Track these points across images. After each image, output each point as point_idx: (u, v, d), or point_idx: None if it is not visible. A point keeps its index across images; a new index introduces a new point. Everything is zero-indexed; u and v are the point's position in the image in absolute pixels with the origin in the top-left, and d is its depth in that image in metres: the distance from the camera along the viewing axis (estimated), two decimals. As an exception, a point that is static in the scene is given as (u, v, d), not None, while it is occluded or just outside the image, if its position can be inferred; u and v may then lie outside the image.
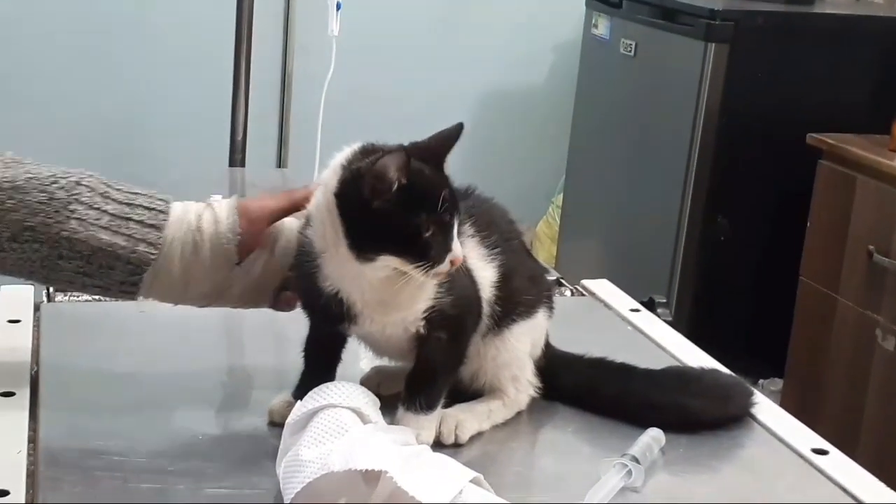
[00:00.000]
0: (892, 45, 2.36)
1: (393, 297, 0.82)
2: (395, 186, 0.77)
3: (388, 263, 0.79)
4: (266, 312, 1.04)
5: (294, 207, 0.95)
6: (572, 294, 1.32)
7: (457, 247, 0.80)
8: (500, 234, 0.92)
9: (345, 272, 0.81)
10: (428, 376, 0.86)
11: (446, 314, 0.84)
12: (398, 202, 0.78)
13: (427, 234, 0.78)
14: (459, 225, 0.85)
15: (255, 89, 2.15)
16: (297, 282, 0.89)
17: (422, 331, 0.84)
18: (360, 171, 0.78)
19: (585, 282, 1.35)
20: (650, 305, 1.27)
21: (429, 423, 0.85)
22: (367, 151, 0.81)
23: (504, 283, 0.90)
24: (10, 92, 2.61)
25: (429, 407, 0.85)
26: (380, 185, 0.77)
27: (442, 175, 0.82)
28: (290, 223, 0.95)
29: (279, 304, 0.95)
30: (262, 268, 0.93)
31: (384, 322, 0.84)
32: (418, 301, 0.83)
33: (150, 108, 2.75)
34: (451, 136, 0.82)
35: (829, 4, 2.62)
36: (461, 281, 0.85)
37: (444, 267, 0.79)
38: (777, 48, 2.26)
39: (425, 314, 0.83)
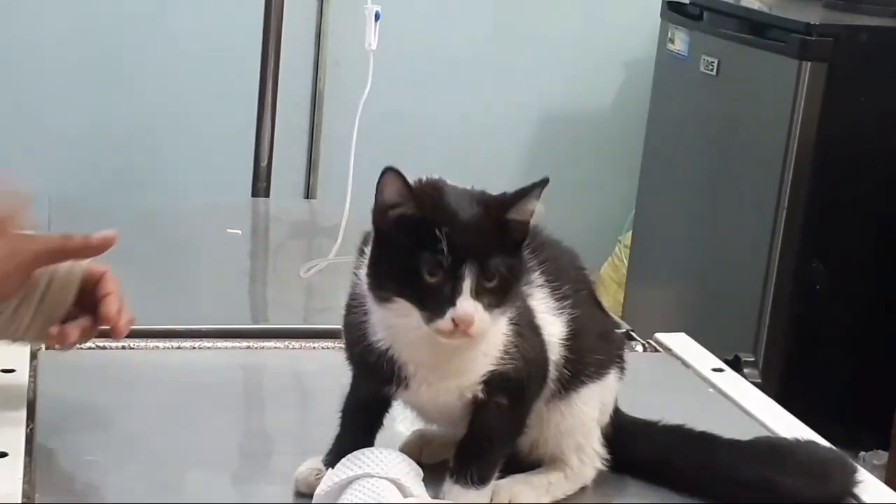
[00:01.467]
0: None
1: (448, 360, 0.83)
2: (397, 212, 0.79)
3: (402, 307, 0.79)
4: (291, 363, 1.14)
5: (65, 254, 0.97)
6: (644, 349, 1.31)
7: (465, 304, 0.78)
8: (571, 283, 0.92)
9: (394, 323, 0.82)
10: (483, 446, 0.86)
11: (509, 378, 0.84)
12: (398, 231, 0.79)
13: (430, 279, 0.78)
14: (529, 279, 0.88)
15: (282, 110, 2.16)
16: (345, 329, 0.90)
17: (480, 395, 0.84)
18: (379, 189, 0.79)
19: (659, 335, 1.35)
20: (735, 364, 1.27)
21: (481, 497, 0.85)
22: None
23: (573, 340, 0.90)
24: (21, 114, 2.65)
25: (481, 481, 0.85)
26: (382, 206, 0.79)
27: (483, 221, 0.81)
28: (65, 266, 0.97)
29: (51, 342, 0.98)
30: (31, 313, 0.96)
31: (439, 388, 0.85)
32: (480, 365, 0.83)
33: (165, 129, 2.75)
34: (531, 189, 0.80)
35: None
36: (529, 341, 0.85)
37: (445, 324, 0.78)
38: (882, 68, 2.23)
39: (485, 377, 0.83)
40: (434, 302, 0.77)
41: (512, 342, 0.84)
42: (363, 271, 0.83)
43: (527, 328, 0.85)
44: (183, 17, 2.70)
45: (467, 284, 0.77)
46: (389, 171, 0.77)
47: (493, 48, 2.84)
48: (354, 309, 0.85)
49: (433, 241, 0.77)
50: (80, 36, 2.69)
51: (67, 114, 2.72)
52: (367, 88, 1.61)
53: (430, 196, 0.80)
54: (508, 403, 0.85)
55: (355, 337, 0.86)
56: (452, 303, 0.76)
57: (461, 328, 0.77)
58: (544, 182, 0.79)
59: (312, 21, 2.60)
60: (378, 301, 0.81)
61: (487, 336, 0.82)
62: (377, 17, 1.47)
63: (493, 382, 0.83)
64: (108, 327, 0.99)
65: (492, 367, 0.83)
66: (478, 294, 0.77)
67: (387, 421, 0.91)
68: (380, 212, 0.80)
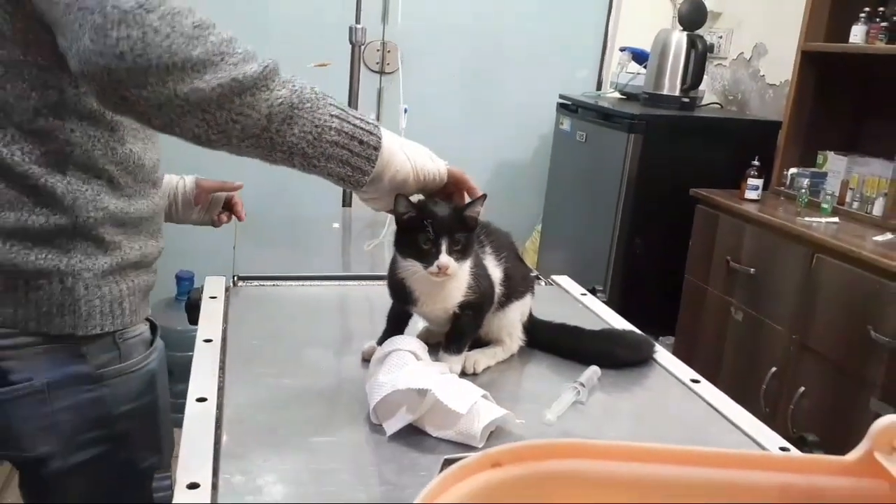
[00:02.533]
0: (741, 134, 3.03)
1: (437, 290, 1.03)
2: (406, 216, 0.98)
3: (412, 262, 0.99)
4: (363, 292, 1.44)
5: (222, 189, 1.51)
6: (546, 285, 1.56)
7: (443, 258, 0.97)
8: (507, 250, 1.14)
9: (409, 270, 1.01)
10: (458, 334, 1.06)
11: (472, 302, 1.04)
12: (407, 223, 0.99)
13: (424, 246, 0.97)
14: (483, 247, 1.10)
15: None
16: (389, 276, 1.08)
17: (457, 311, 1.04)
18: (398, 201, 0.98)
19: (554, 277, 1.60)
20: (593, 292, 1.50)
21: (458, 361, 1.06)
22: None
23: (507, 279, 1.11)
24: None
25: (458, 351, 1.06)
26: (398, 214, 0.99)
27: (448, 211, 0.99)
28: (218, 195, 1.51)
29: (216, 224, 1.54)
30: (203, 209, 1.50)
31: (434, 307, 1.04)
32: (455, 295, 1.03)
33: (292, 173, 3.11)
34: (475, 200, 1.01)
35: (703, 110, 3.28)
36: (483, 282, 1.06)
37: (433, 269, 0.97)
38: (672, 137, 2.90)
39: (459, 304, 1.04)
40: (427, 258, 0.97)
41: (473, 282, 1.04)
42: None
43: (482, 275, 1.06)
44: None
45: (444, 248, 0.97)
46: (399, 196, 0.98)
47: (467, 123, 3.45)
48: (393, 265, 1.06)
49: (424, 227, 0.97)
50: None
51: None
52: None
53: (421, 206, 1.00)
54: (472, 314, 1.06)
55: (392, 280, 1.07)
56: (437, 258, 0.97)
57: (442, 271, 0.98)
58: (484, 196, 1.02)
59: (374, 110, 3.03)
60: (402, 258, 1.01)
61: (458, 276, 1.02)
62: (406, 111, 1.86)
63: (464, 305, 1.04)
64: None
65: (462, 297, 1.03)
66: (450, 253, 0.98)
67: (410, 323, 1.12)
68: (398, 214, 0.99)
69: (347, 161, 0.91)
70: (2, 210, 0.99)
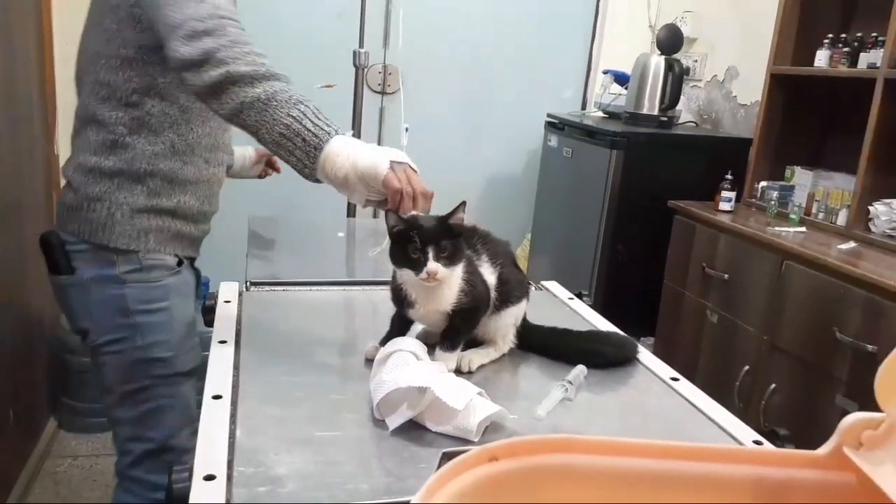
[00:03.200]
0: (715, 150, 3.03)
1: (430, 295, 1.03)
2: (395, 229, 1.00)
3: (405, 271, 1.00)
4: (366, 296, 1.42)
5: (266, 156, 1.80)
6: (536, 289, 1.55)
7: (431, 264, 0.98)
8: (503, 257, 1.14)
9: (406, 279, 1.03)
10: (453, 333, 1.07)
11: (465, 307, 1.05)
12: (397, 236, 1.00)
13: (413, 255, 0.98)
14: (479, 254, 1.09)
15: None
16: (391, 285, 1.10)
17: (451, 313, 1.04)
18: (386, 216, 1.01)
19: (543, 282, 1.61)
20: (580, 296, 1.51)
21: (452, 358, 1.07)
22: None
23: (502, 285, 1.11)
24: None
25: (452, 348, 1.06)
26: (389, 228, 1.00)
27: (433, 222, 1.00)
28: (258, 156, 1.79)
29: (261, 177, 1.85)
30: (255, 169, 1.80)
31: (428, 310, 1.05)
32: (447, 300, 1.04)
33: (298, 186, 3.09)
34: (457, 208, 1.02)
35: (680, 128, 3.26)
36: (478, 286, 1.06)
37: (423, 275, 0.98)
38: (651, 153, 2.90)
39: (453, 307, 1.04)
40: (417, 266, 0.98)
41: (466, 287, 1.04)
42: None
43: (476, 281, 1.06)
44: None
45: (431, 256, 0.98)
46: (389, 212, 1.01)
47: (462, 140, 3.42)
48: (394, 274, 1.08)
49: (412, 238, 0.99)
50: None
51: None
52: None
53: (409, 220, 1.01)
54: (467, 316, 1.06)
55: (393, 286, 1.09)
56: (426, 265, 0.98)
57: (431, 276, 0.99)
58: (463, 203, 1.01)
59: (376, 130, 3.02)
60: (396, 267, 1.03)
61: (449, 282, 1.03)
62: (406, 129, 1.87)
63: (457, 308, 1.04)
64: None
65: (455, 301, 1.04)
66: (437, 259, 0.99)
67: (412, 327, 1.13)
68: (389, 228, 1.01)
69: (292, 152, 1.10)
70: (90, 152, 1.34)
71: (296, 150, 1.10)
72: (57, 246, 1.36)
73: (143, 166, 1.34)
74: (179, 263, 1.43)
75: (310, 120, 1.10)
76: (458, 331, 1.07)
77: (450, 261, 1.00)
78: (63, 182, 1.41)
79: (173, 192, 1.38)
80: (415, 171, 1.09)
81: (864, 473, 0.41)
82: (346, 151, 1.08)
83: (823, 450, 0.44)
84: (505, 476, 0.41)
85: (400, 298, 1.07)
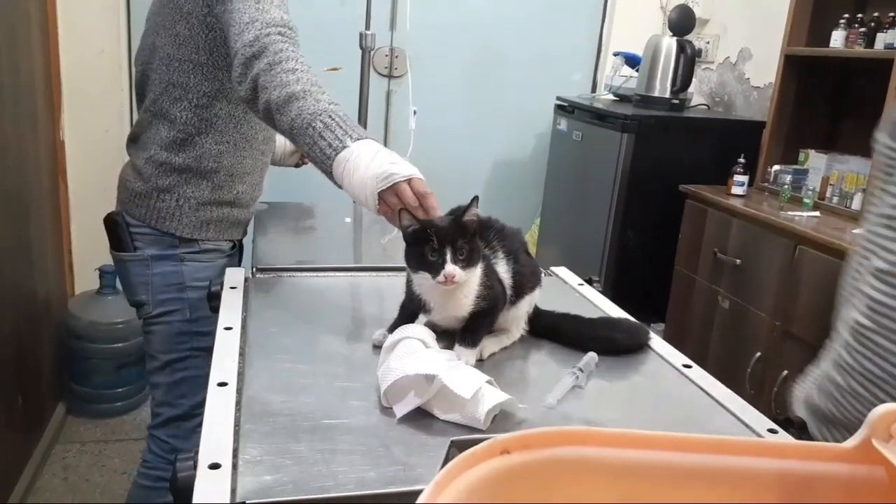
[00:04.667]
0: (727, 134, 2.96)
1: (449, 301, 1.03)
2: (410, 229, 0.98)
3: (422, 274, 0.98)
4: (374, 282, 1.43)
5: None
6: (546, 275, 1.51)
7: (449, 267, 0.96)
8: (517, 249, 1.13)
9: (423, 284, 1.02)
10: (473, 329, 1.06)
11: (484, 309, 1.05)
12: (413, 237, 0.99)
13: (431, 258, 0.97)
14: (495, 251, 1.08)
15: None
16: (406, 281, 1.08)
17: (469, 316, 1.04)
18: (400, 217, 0.99)
19: (553, 268, 1.59)
20: (590, 282, 1.50)
21: (472, 353, 1.05)
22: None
23: (517, 278, 1.10)
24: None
25: (473, 345, 1.05)
26: (403, 228, 0.99)
27: (452, 225, 0.98)
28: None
29: (298, 165, 1.90)
30: (293, 158, 1.85)
31: (445, 315, 1.05)
32: (464, 304, 1.03)
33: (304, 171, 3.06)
34: (470, 204, 1.00)
35: (692, 111, 3.21)
36: (496, 287, 1.05)
37: (440, 279, 0.96)
38: (662, 136, 2.84)
39: (471, 311, 1.03)
40: (434, 269, 0.97)
41: (483, 293, 1.03)
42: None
43: (495, 281, 1.05)
44: None
45: (448, 257, 0.96)
46: (403, 210, 0.99)
47: (471, 123, 3.35)
48: (409, 281, 1.07)
49: (429, 238, 0.97)
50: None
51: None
52: (410, 149, 2.06)
53: (424, 219, 1.01)
54: (485, 316, 1.06)
55: (408, 291, 1.08)
56: (443, 267, 0.96)
57: (449, 280, 0.97)
58: (476, 198, 1.00)
59: (383, 114, 2.96)
60: (412, 271, 1.01)
61: (466, 286, 1.01)
62: (415, 112, 1.86)
63: (474, 313, 1.04)
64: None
65: (472, 306, 1.03)
66: (455, 262, 0.97)
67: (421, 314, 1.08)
68: (404, 230, 1.00)
69: (318, 164, 1.18)
70: (162, 147, 1.45)
71: (318, 164, 1.18)
72: (122, 226, 1.49)
73: (210, 164, 1.47)
74: (232, 247, 1.58)
75: (322, 137, 1.15)
76: (478, 326, 1.07)
77: (468, 262, 0.98)
78: (130, 167, 1.53)
79: (233, 184, 1.51)
80: (408, 180, 1.09)
81: (894, 467, 0.39)
82: (346, 179, 1.13)
83: (851, 442, 0.42)
84: (517, 470, 0.39)
85: (416, 303, 1.05)
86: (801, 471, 0.41)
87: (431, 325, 1.10)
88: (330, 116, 1.16)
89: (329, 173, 1.15)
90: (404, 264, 1.06)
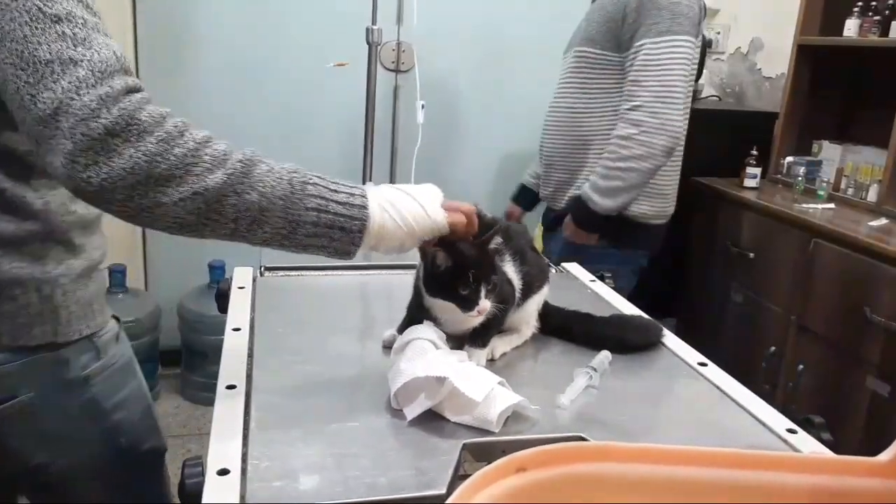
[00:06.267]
0: (739, 125, 2.90)
1: (457, 317, 0.99)
2: (443, 267, 0.95)
3: (442, 301, 0.98)
4: (383, 280, 1.38)
5: None
6: (556, 271, 1.52)
7: (483, 303, 0.96)
8: (524, 249, 1.12)
9: (439, 306, 1.00)
10: (483, 330, 1.04)
11: (493, 317, 1.02)
12: (446, 273, 0.96)
13: (463, 292, 0.95)
14: (502, 254, 1.06)
15: (376, 153, 2.53)
16: (414, 288, 1.05)
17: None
18: (427, 254, 0.95)
19: (564, 264, 1.57)
20: (601, 278, 1.47)
21: (482, 354, 1.04)
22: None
23: (526, 277, 1.09)
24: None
25: (483, 345, 1.04)
26: (435, 266, 0.96)
27: (480, 254, 0.95)
28: None
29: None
30: None
31: (455, 328, 1.03)
32: (477, 320, 1.00)
33: (314, 162, 3.11)
34: (494, 231, 0.97)
35: (703, 103, 3.12)
36: (505, 289, 1.04)
37: (473, 314, 0.96)
38: None
39: (483, 322, 1.01)
40: (467, 303, 0.95)
41: (493, 301, 0.98)
42: (421, 280, 0.99)
43: (504, 282, 1.03)
44: (320, 105, 2.91)
45: (483, 293, 0.96)
46: (438, 251, 0.94)
47: (479, 116, 3.17)
48: (419, 291, 1.02)
49: (466, 276, 0.95)
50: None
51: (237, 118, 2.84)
52: (419, 142, 2.04)
53: (458, 255, 0.96)
54: (495, 319, 1.03)
55: (418, 303, 1.04)
56: (476, 303, 0.95)
57: (481, 314, 0.97)
58: (499, 227, 0.98)
59: (390, 108, 2.89)
60: (431, 296, 0.99)
61: None
62: (423, 106, 1.85)
63: (485, 322, 1.02)
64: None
65: (483, 319, 1.00)
66: (486, 296, 0.96)
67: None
68: (432, 263, 0.96)
69: (328, 246, 0.86)
70: None
71: (333, 242, 0.87)
72: None
73: (61, 218, 0.97)
74: (118, 321, 1.12)
75: (332, 199, 0.85)
76: (488, 327, 1.05)
77: (494, 292, 0.97)
78: None
79: (91, 237, 1.04)
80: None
81: (929, 481, 0.37)
82: (388, 218, 0.88)
83: (885, 456, 0.40)
84: (534, 488, 0.38)
85: (426, 315, 1.03)
86: (834, 486, 0.39)
87: (437, 324, 1.08)
88: (308, 181, 0.85)
89: (360, 230, 0.86)
90: (412, 263, 1.04)
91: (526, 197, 2.34)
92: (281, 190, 0.82)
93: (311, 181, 0.84)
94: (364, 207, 0.86)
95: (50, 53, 0.76)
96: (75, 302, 0.98)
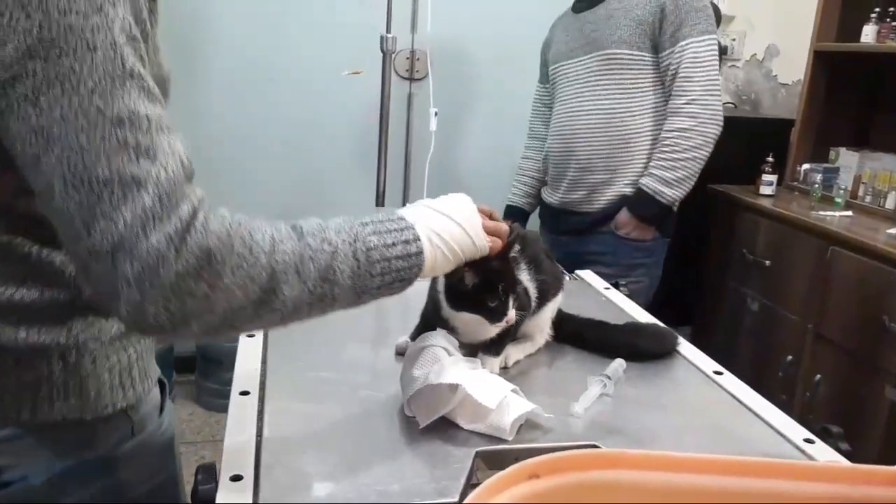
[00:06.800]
0: (755, 132, 2.84)
1: (476, 327, 1.00)
2: (472, 285, 0.94)
3: (468, 314, 0.97)
4: (399, 296, 1.25)
5: None
6: (571, 279, 1.52)
7: (511, 313, 0.96)
8: (539, 256, 1.10)
9: (461, 318, 0.99)
10: (499, 340, 1.04)
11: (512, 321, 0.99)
12: (475, 288, 0.95)
13: (492, 304, 0.95)
14: (518, 262, 1.04)
15: (389, 161, 2.53)
16: (429, 302, 1.04)
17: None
18: (455, 274, 0.91)
19: (578, 272, 1.57)
20: (616, 286, 1.48)
21: (496, 362, 1.04)
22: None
23: (541, 285, 1.08)
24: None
25: (497, 353, 1.04)
26: (463, 285, 0.94)
27: (504, 265, 0.94)
28: None
29: None
30: None
31: (472, 338, 1.03)
32: (494, 330, 1.00)
33: (328, 170, 3.01)
34: (514, 240, 0.95)
35: None
36: (521, 298, 1.03)
37: (502, 324, 0.96)
38: None
39: (499, 333, 1.01)
40: (495, 315, 0.95)
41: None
42: (440, 293, 0.99)
43: (520, 291, 1.02)
44: (335, 117, 2.95)
45: (511, 304, 0.96)
46: (467, 271, 0.92)
47: (492, 124, 3.17)
48: (435, 301, 1.01)
49: (495, 289, 0.94)
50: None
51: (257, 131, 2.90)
52: (431, 149, 2.04)
53: (486, 271, 0.94)
54: (512, 326, 1.01)
55: (433, 306, 1.03)
56: (505, 314, 0.95)
57: (508, 324, 0.97)
58: (517, 236, 0.97)
59: (404, 116, 2.92)
60: (454, 309, 0.97)
61: None
62: (436, 113, 1.86)
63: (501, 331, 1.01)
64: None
65: (499, 329, 1.00)
66: (513, 306, 0.96)
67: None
68: (460, 281, 0.93)
69: (387, 295, 0.82)
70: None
71: (395, 287, 0.82)
72: None
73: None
74: (162, 388, 0.95)
75: (391, 255, 0.79)
76: (502, 337, 1.05)
77: (518, 301, 0.98)
78: None
79: None
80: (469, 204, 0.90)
81: (950, 491, 0.37)
82: (440, 254, 0.83)
83: (905, 465, 0.40)
84: (547, 495, 0.37)
85: (441, 325, 1.01)
86: (853, 495, 0.39)
87: (453, 333, 1.07)
88: (357, 245, 0.77)
89: (418, 271, 0.82)
90: (429, 292, 1.05)
91: (515, 219, 2.35)
92: (349, 270, 0.75)
93: (371, 245, 0.77)
94: (420, 253, 0.81)
95: (109, 170, 0.62)
96: (108, 370, 0.81)
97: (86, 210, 0.62)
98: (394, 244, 0.78)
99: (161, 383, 0.94)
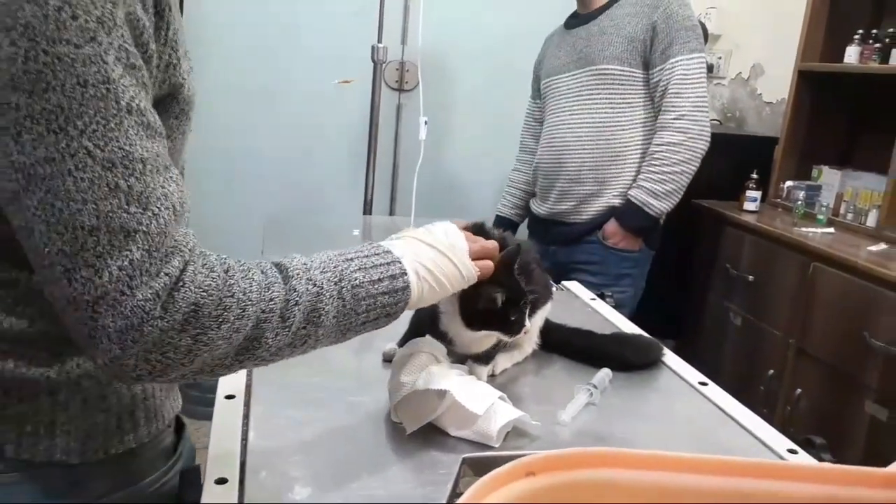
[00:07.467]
0: (740, 150, 2.89)
1: (475, 343, 1.00)
2: (499, 300, 0.91)
3: (486, 332, 0.95)
4: None
5: None
6: (557, 289, 1.49)
7: (527, 323, 0.96)
8: (530, 265, 1.07)
9: (454, 328, 0.97)
10: (489, 350, 1.03)
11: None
12: (498, 305, 0.92)
13: (514, 318, 0.93)
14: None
15: (378, 170, 2.57)
16: (423, 313, 1.00)
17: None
18: (483, 296, 0.90)
19: (565, 283, 1.60)
20: (602, 297, 1.51)
21: (483, 370, 1.04)
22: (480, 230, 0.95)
23: (532, 293, 0.98)
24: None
25: (487, 362, 1.04)
26: (494, 305, 0.91)
27: (514, 280, 0.93)
28: None
29: None
30: None
31: (467, 351, 1.02)
32: (491, 342, 1.01)
33: (318, 178, 3.02)
34: (515, 251, 0.93)
35: None
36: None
37: (519, 335, 0.96)
38: None
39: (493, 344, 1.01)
40: (514, 328, 0.94)
41: None
42: (443, 314, 0.96)
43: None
44: (325, 124, 2.95)
45: (527, 313, 0.95)
46: (496, 295, 0.90)
47: (482, 135, 3.16)
48: (429, 310, 0.95)
49: (518, 306, 0.93)
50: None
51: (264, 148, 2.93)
52: (420, 158, 2.05)
53: (510, 289, 0.93)
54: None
55: (429, 319, 0.99)
56: (523, 324, 0.94)
57: (525, 333, 0.97)
58: (519, 246, 0.95)
59: (393, 125, 2.95)
60: (473, 329, 0.94)
61: None
62: (426, 122, 1.87)
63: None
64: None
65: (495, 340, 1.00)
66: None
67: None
68: (485, 301, 0.91)
69: (371, 329, 0.80)
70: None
71: (381, 321, 0.80)
72: None
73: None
74: (178, 430, 0.89)
75: (378, 287, 0.76)
76: (494, 347, 1.04)
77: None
78: None
79: None
80: (459, 234, 0.89)
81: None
82: (426, 286, 0.81)
83: (898, 467, 0.40)
84: (544, 492, 0.37)
85: (437, 333, 1.00)
86: (844, 497, 0.39)
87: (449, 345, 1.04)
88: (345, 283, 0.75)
89: (405, 303, 0.80)
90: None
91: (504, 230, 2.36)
92: (334, 310, 0.72)
93: (357, 282, 0.74)
94: (407, 287, 0.78)
95: (97, 218, 0.56)
96: (104, 411, 0.72)
97: (68, 258, 0.56)
98: (380, 279, 0.76)
99: (179, 423, 0.87)
